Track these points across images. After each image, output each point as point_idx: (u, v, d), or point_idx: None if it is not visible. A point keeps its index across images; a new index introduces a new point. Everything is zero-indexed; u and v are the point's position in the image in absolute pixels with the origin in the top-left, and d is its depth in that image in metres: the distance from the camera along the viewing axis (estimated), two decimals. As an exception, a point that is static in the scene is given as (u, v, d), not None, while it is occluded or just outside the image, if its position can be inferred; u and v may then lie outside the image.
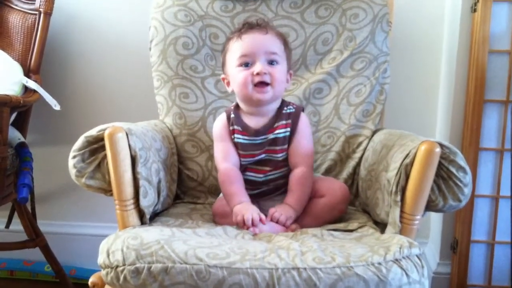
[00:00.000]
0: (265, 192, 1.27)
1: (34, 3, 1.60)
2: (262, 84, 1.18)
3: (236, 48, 1.20)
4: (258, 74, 1.16)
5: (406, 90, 1.71)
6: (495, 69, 1.53)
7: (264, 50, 1.18)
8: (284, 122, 1.23)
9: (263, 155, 1.23)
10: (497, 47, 1.52)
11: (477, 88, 1.52)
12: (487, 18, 1.49)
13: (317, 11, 1.48)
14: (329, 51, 1.48)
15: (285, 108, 1.24)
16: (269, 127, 1.23)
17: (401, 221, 1.04)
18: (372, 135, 1.41)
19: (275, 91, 1.19)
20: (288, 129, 1.22)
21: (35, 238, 1.63)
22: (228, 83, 1.26)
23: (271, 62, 1.19)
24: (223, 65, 1.27)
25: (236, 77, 1.20)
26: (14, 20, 1.64)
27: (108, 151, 1.03)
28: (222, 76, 1.29)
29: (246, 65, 1.19)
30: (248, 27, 1.22)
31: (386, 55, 1.45)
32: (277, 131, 1.22)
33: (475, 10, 1.51)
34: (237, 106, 1.27)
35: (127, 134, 1.05)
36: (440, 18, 1.68)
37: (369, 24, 1.45)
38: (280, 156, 1.23)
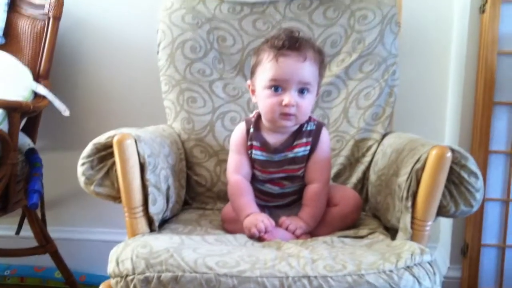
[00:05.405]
0: (279, 206, 1.26)
1: (43, 8, 1.60)
2: (287, 114, 1.15)
3: (269, 68, 1.14)
4: (286, 105, 1.13)
5: (414, 92, 1.69)
6: (504, 71, 1.51)
7: (298, 79, 1.13)
8: (304, 140, 1.20)
9: (281, 174, 1.22)
10: (506, 48, 1.50)
11: (486, 90, 1.51)
12: (495, 19, 1.48)
13: (325, 13, 1.47)
14: (337, 53, 1.47)
15: (306, 125, 1.21)
16: (288, 145, 1.21)
17: (412, 227, 1.03)
18: (382, 139, 1.40)
19: (298, 120, 1.17)
20: (308, 147, 1.20)
21: (45, 244, 1.62)
22: (253, 91, 1.22)
23: (301, 91, 1.15)
24: (252, 73, 1.22)
25: (264, 101, 1.16)
26: (24, 25, 1.64)
27: (117, 158, 1.03)
28: (248, 83, 1.25)
29: (276, 89, 1.14)
30: (288, 47, 1.13)
31: (395, 57, 1.44)
32: (296, 150, 1.20)
33: (483, 11, 1.50)
34: (257, 119, 1.24)
35: (135, 141, 1.05)
36: (448, 19, 1.66)
37: (378, 25, 1.44)
38: (299, 173, 1.22)
